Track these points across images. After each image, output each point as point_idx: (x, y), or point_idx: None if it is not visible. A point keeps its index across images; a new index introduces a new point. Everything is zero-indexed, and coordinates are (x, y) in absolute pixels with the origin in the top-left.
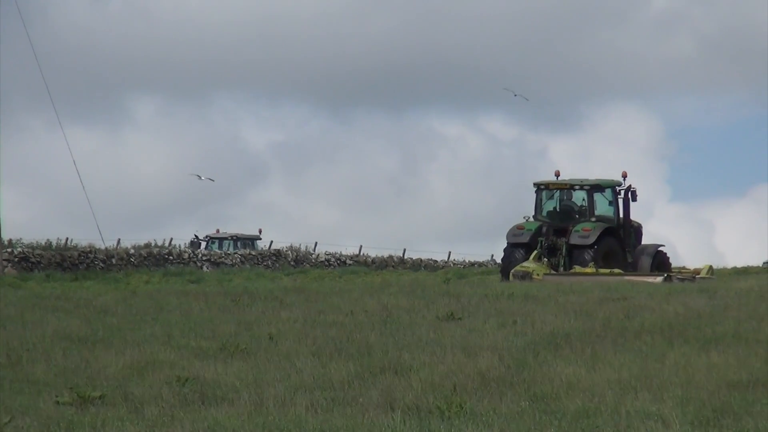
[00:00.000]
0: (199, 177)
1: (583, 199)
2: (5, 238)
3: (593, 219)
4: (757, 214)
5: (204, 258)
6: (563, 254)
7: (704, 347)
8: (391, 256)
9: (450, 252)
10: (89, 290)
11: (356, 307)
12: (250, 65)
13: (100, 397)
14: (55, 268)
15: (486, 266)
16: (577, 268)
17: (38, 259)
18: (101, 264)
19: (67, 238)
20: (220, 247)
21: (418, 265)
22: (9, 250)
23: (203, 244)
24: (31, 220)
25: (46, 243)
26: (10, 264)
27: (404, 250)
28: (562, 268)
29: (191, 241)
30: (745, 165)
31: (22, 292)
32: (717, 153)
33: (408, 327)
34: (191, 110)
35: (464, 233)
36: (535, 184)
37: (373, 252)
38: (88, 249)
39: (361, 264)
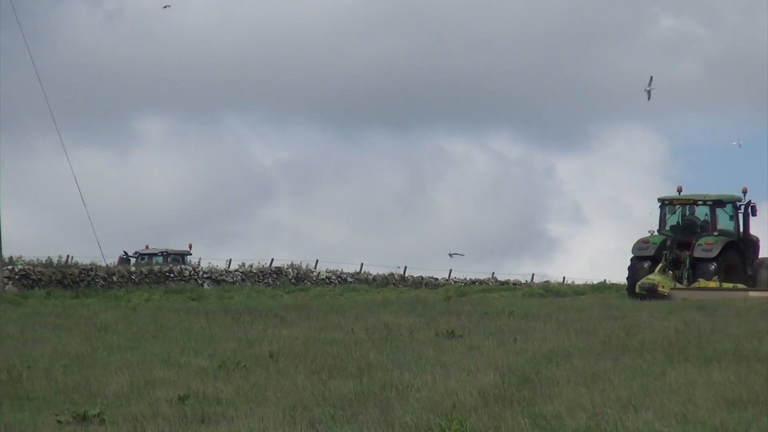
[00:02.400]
0: None
1: (706, 214)
2: (6, 255)
3: (715, 233)
4: (761, 232)
5: (205, 275)
6: (687, 267)
7: (705, 365)
8: (392, 274)
9: (451, 270)
10: (90, 308)
11: (357, 324)
12: (259, 85)
13: (99, 415)
14: (55, 285)
15: (487, 284)
16: (701, 282)
17: (39, 277)
18: (102, 281)
19: (68, 256)
20: (150, 262)
21: (419, 283)
22: (10, 267)
23: (132, 261)
24: (33, 238)
25: (46, 260)
26: (10, 281)
27: (405, 268)
28: (686, 281)
29: (120, 258)
30: (750, 184)
31: (22, 310)
32: (721, 172)
33: (408, 345)
34: (200, 130)
35: (472, 252)
36: (659, 200)
37: (374, 270)
38: (89, 266)
39: (362, 282)
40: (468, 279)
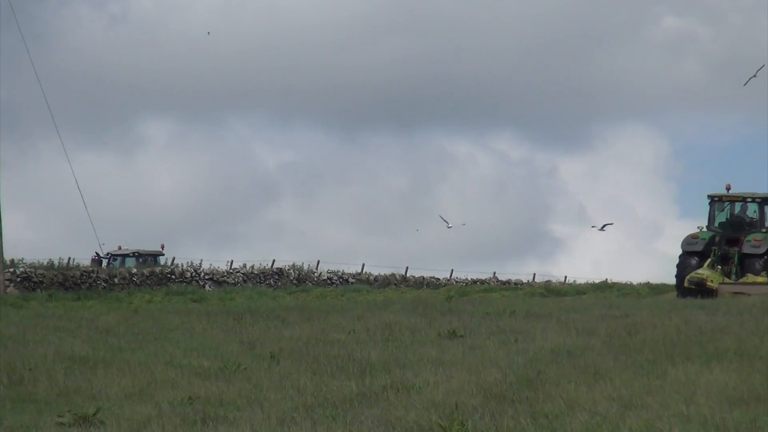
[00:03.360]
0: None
1: (755, 211)
2: (7, 257)
3: (764, 230)
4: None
5: (206, 277)
6: (735, 263)
7: (706, 363)
8: (393, 274)
9: (452, 270)
10: (91, 310)
11: (358, 325)
12: (262, 88)
13: (102, 417)
14: (57, 287)
15: (488, 284)
16: (750, 277)
17: (40, 279)
18: (103, 284)
19: (69, 258)
20: (123, 264)
21: (420, 283)
22: (11, 269)
23: (105, 262)
24: (35, 240)
25: (48, 263)
26: (12, 284)
27: (406, 268)
28: (734, 276)
29: (92, 259)
30: (752, 182)
31: (24, 312)
32: (723, 171)
33: (410, 345)
34: (203, 133)
35: (475, 252)
36: (709, 196)
37: (375, 270)
38: (90, 269)
39: (363, 282)
40: (469, 279)
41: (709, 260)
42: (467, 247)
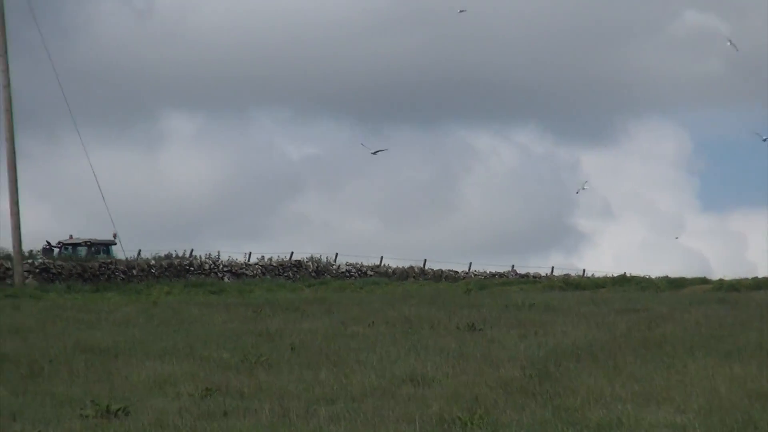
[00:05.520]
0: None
1: None
2: (26, 249)
3: None
4: None
5: (225, 269)
6: None
7: (726, 358)
8: (412, 267)
9: (470, 263)
10: (110, 302)
11: (377, 317)
12: (287, 82)
13: (122, 410)
14: (75, 279)
15: (507, 277)
16: None
17: (59, 270)
18: (122, 275)
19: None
20: (74, 252)
21: (438, 276)
22: (30, 261)
23: (56, 251)
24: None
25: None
26: (31, 275)
27: (425, 261)
28: None
29: (43, 248)
30: None
31: (42, 303)
32: (745, 165)
33: (429, 338)
34: (228, 127)
35: (495, 245)
36: None
37: (394, 263)
38: (109, 260)
39: (382, 275)
40: (488, 272)
41: None
42: (488, 240)
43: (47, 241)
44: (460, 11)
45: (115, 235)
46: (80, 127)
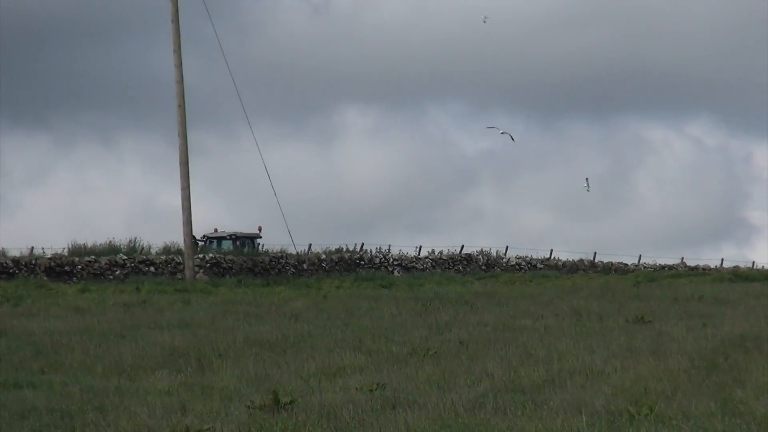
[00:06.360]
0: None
1: None
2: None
3: None
4: None
5: (395, 263)
6: None
7: None
8: (581, 260)
9: (640, 255)
10: (280, 295)
11: (547, 311)
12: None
13: (291, 402)
14: (246, 273)
15: (676, 269)
16: None
17: (230, 265)
18: (292, 269)
19: (259, 244)
20: (219, 246)
21: (608, 269)
22: (201, 255)
23: (201, 244)
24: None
25: (236, 248)
26: (201, 270)
27: (594, 254)
28: None
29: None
30: None
31: (213, 298)
32: None
33: (598, 331)
34: (403, 122)
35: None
36: None
37: (564, 256)
38: (279, 254)
39: (551, 268)
40: (657, 264)
41: None
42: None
43: (193, 235)
44: (484, 19)
45: (260, 229)
46: (255, 123)
